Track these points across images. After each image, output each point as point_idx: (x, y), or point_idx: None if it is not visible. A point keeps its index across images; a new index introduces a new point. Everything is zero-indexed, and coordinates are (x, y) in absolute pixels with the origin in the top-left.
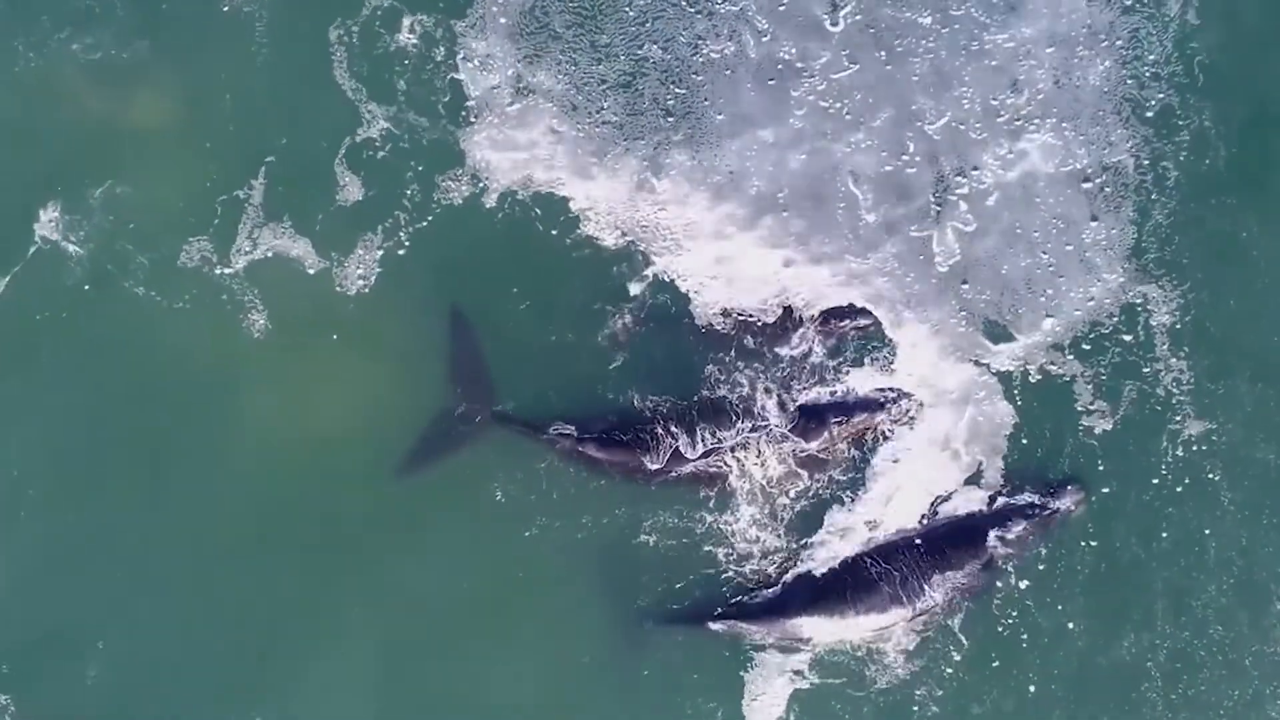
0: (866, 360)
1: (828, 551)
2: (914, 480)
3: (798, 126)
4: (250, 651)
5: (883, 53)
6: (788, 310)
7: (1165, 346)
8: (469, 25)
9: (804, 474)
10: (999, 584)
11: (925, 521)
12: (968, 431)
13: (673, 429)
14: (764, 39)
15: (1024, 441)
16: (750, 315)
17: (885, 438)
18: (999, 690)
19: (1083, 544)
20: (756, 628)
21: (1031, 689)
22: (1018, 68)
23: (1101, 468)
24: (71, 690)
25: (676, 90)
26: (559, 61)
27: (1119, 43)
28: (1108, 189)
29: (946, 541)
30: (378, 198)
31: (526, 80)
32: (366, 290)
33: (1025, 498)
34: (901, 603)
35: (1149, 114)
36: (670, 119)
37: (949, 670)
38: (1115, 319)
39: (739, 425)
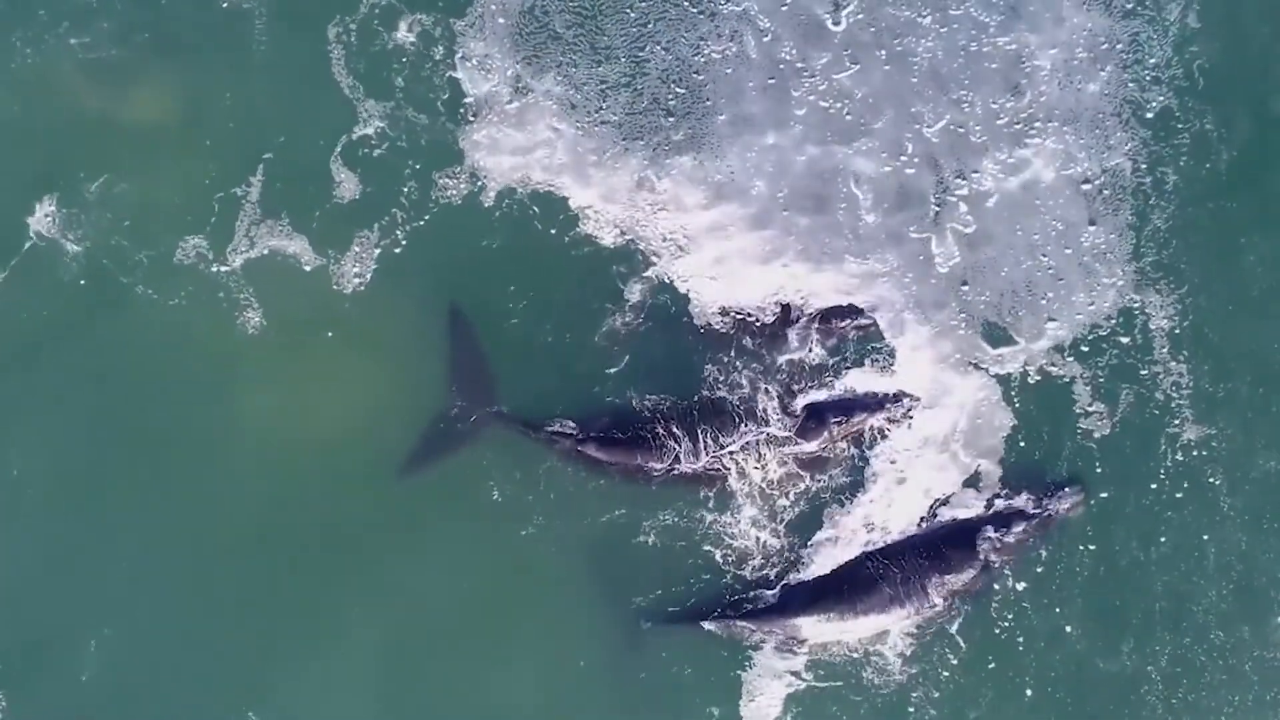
0: (866, 360)
1: (827, 552)
2: (913, 482)
3: (798, 127)
4: (250, 651)
5: (883, 53)
6: (787, 310)
7: (1164, 350)
8: (468, 25)
9: (804, 474)
10: (997, 586)
11: (924, 523)
12: (967, 434)
13: (673, 430)
14: (765, 39)
15: (1023, 444)
16: (750, 315)
17: (884, 436)
18: (996, 693)
19: (1081, 547)
20: (755, 628)
21: (1028, 692)
22: (1018, 71)
23: (1100, 471)
24: (68, 690)
25: (677, 90)
26: (559, 62)
27: (1119, 46)
28: (1107, 192)
29: (945, 543)
30: (375, 196)
31: (526, 80)
32: (363, 288)
33: (1024, 500)
34: (900, 604)
35: (1149, 118)
36: (671, 119)
37: (946, 672)
38: (1114, 322)
39: (740, 429)
